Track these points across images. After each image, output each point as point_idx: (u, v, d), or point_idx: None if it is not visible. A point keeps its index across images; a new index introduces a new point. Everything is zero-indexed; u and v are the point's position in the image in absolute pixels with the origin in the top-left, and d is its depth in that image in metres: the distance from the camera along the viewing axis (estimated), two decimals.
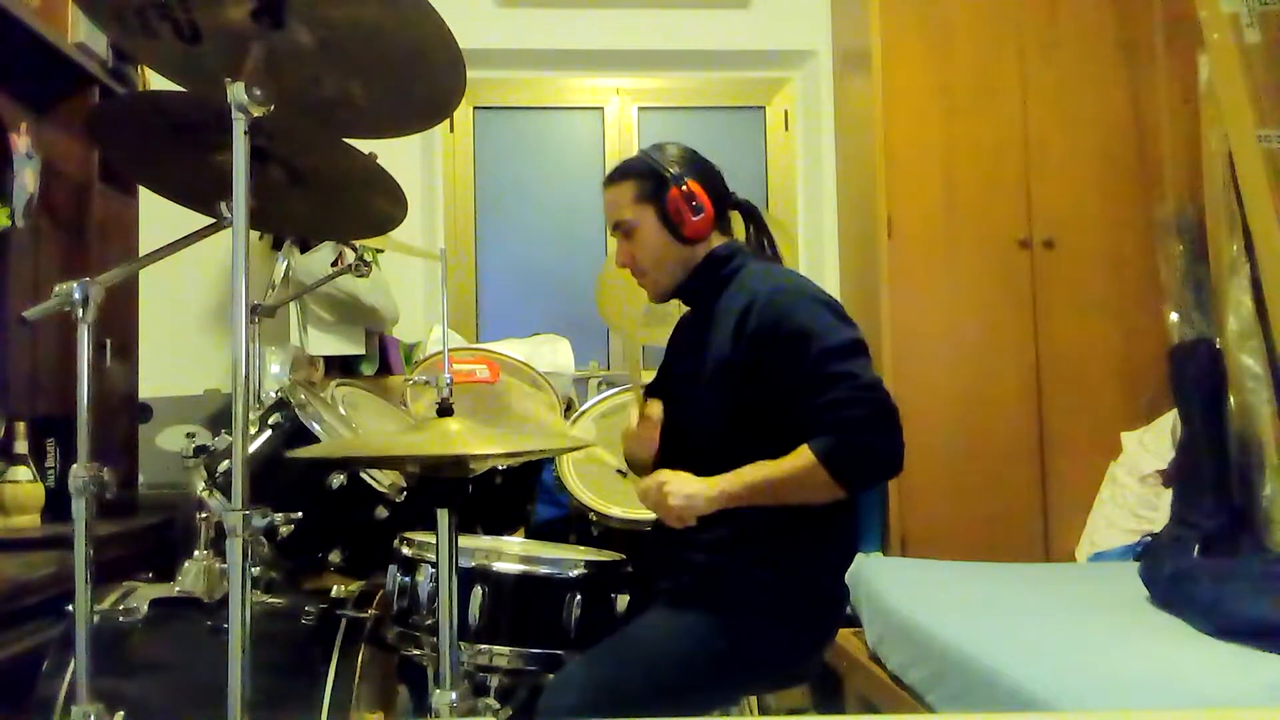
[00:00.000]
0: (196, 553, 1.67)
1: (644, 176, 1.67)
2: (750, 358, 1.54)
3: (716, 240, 1.70)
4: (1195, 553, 2.46)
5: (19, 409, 2.23)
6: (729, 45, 3.43)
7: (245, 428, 1.07)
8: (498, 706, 1.60)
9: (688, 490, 1.49)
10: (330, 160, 1.44)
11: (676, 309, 1.84)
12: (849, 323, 1.56)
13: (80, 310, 1.16)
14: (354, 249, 2.76)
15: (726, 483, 1.50)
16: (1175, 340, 2.84)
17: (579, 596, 1.59)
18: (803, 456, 1.46)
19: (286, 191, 1.46)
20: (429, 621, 1.61)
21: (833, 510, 1.58)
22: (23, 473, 2.13)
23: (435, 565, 1.59)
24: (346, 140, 1.42)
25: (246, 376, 1.15)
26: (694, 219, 1.64)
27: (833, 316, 1.54)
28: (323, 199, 1.52)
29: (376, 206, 1.55)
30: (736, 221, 1.78)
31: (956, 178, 2.99)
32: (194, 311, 3.17)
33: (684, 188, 1.64)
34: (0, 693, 1.59)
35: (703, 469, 1.55)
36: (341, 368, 2.92)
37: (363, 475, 1.78)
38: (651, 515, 1.69)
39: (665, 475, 1.53)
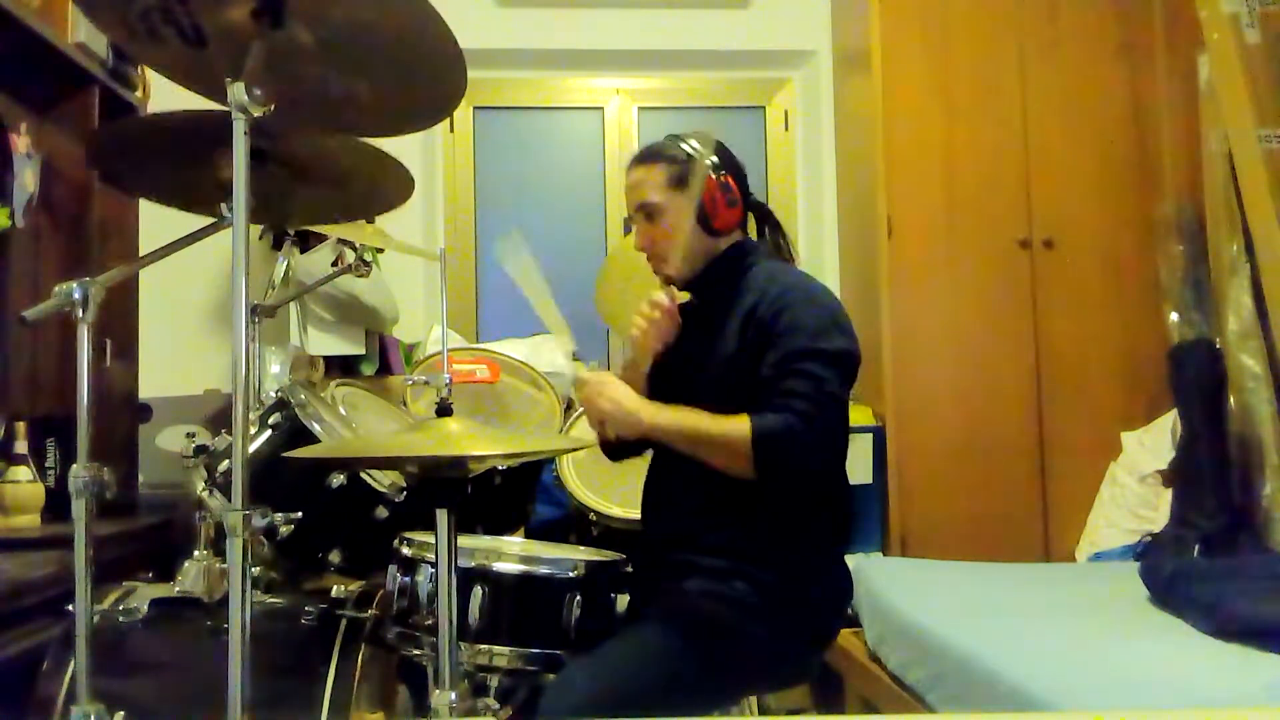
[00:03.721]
0: (196, 553, 1.67)
1: (679, 161, 1.66)
2: (754, 350, 1.55)
3: (738, 234, 1.71)
4: (1195, 553, 2.47)
5: (19, 409, 2.23)
6: (729, 45, 3.43)
7: (245, 428, 1.07)
8: (498, 706, 1.60)
9: (622, 401, 1.54)
10: (326, 147, 1.43)
11: None
12: (845, 334, 1.56)
13: (80, 310, 1.15)
14: (354, 249, 2.76)
15: (658, 413, 1.53)
16: (1175, 340, 2.85)
17: (579, 596, 1.59)
18: (738, 424, 1.47)
19: (288, 183, 1.46)
20: (429, 621, 1.61)
21: (833, 509, 1.58)
22: (23, 473, 2.13)
23: (435, 565, 1.59)
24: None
25: (246, 376, 1.15)
26: (728, 210, 1.65)
27: (830, 323, 1.54)
28: (323, 185, 1.51)
29: (379, 186, 1.55)
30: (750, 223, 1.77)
31: (956, 178, 2.99)
32: (194, 311, 3.16)
33: (723, 177, 1.64)
34: (0, 693, 1.59)
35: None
36: (341, 368, 2.92)
37: (363, 475, 1.78)
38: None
39: (610, 378, 1.57)
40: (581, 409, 1.58)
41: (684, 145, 1.67)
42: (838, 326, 1.55)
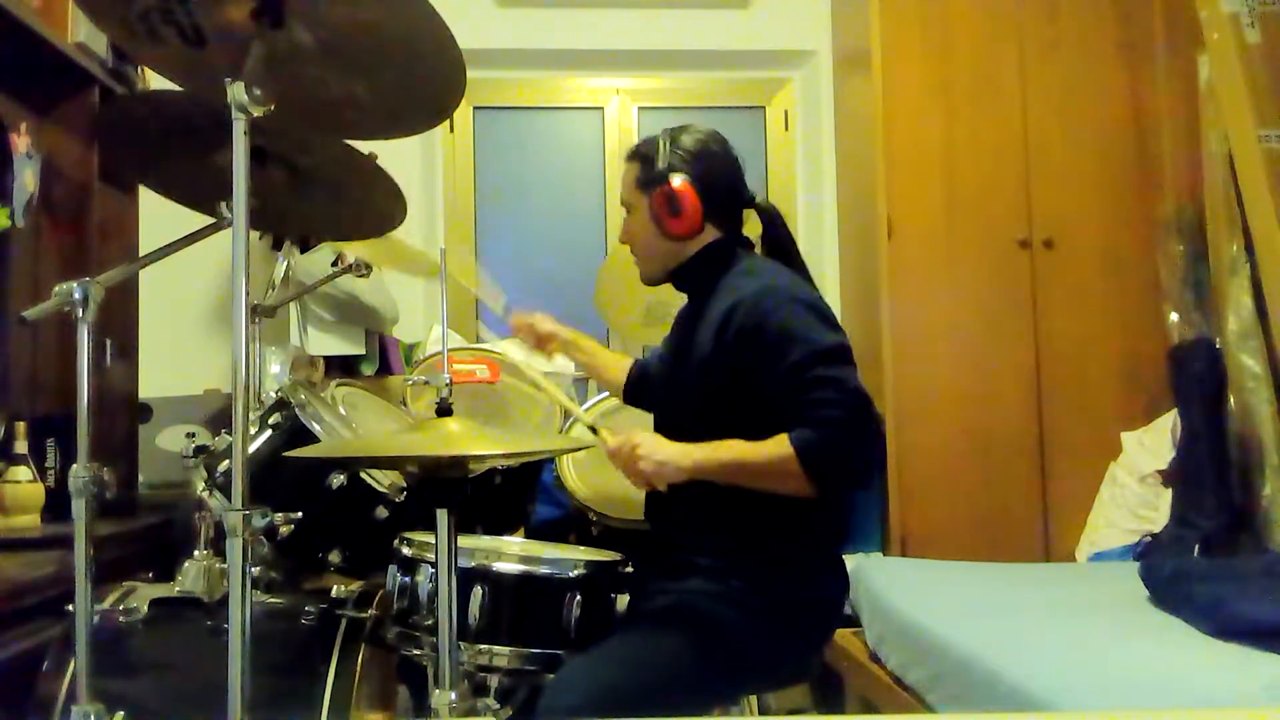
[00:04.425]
0: (196, 553, 1.67)
1: (645, 162, 1.67)
2: (732, 359, 1.53)
3: (712, 235, 1.68)
4: (1195, 553, 2.46)
5: (19, 409, 2.22)
6: (729, 45, 3.43)
7: (245, 428, 1.07)
8: (498, 706, 1.60)
9: (660, 456, 1.48)
10: (329, 160, 1.44)
11: (676, 309, 1.83)
12: (835, 327, 1.54)
13: (80, 310, 1.16)
14: None
15: (701, 455, 1.49)
16: (1175, 340, 2.84)
17: (579, 596, 1.59)
18: (780, 445, 1.45)
19: (286, 191, 1.46)
20: (429, 621, 1.61)
21: (831, 508, 1.58)
22: (23, 473, 2.13)
23: (435, 565, 1.59)
24: (348, 141, 1.42)
25: (246, 376, 1.15)
26: (671, 219, 1.63)
27: (818, 320, 1.52)
28: (322, 199, 1.52)
29: (376, 206, 1.55)
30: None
31: (956, 178, 2.99)
32: (194, 311, 3.16)
33: (668, 187, 1.62)
34: (0, 693, 1.59)
35: None
36: (341, 368, 2.92)
37: (363, 475, 1.78)
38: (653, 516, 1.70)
39: (639, 436, 1.50)
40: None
41: (655, 144, 1.66)
42: (826, 320, 1.54)
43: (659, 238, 1.67)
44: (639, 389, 1.92)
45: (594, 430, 1.56)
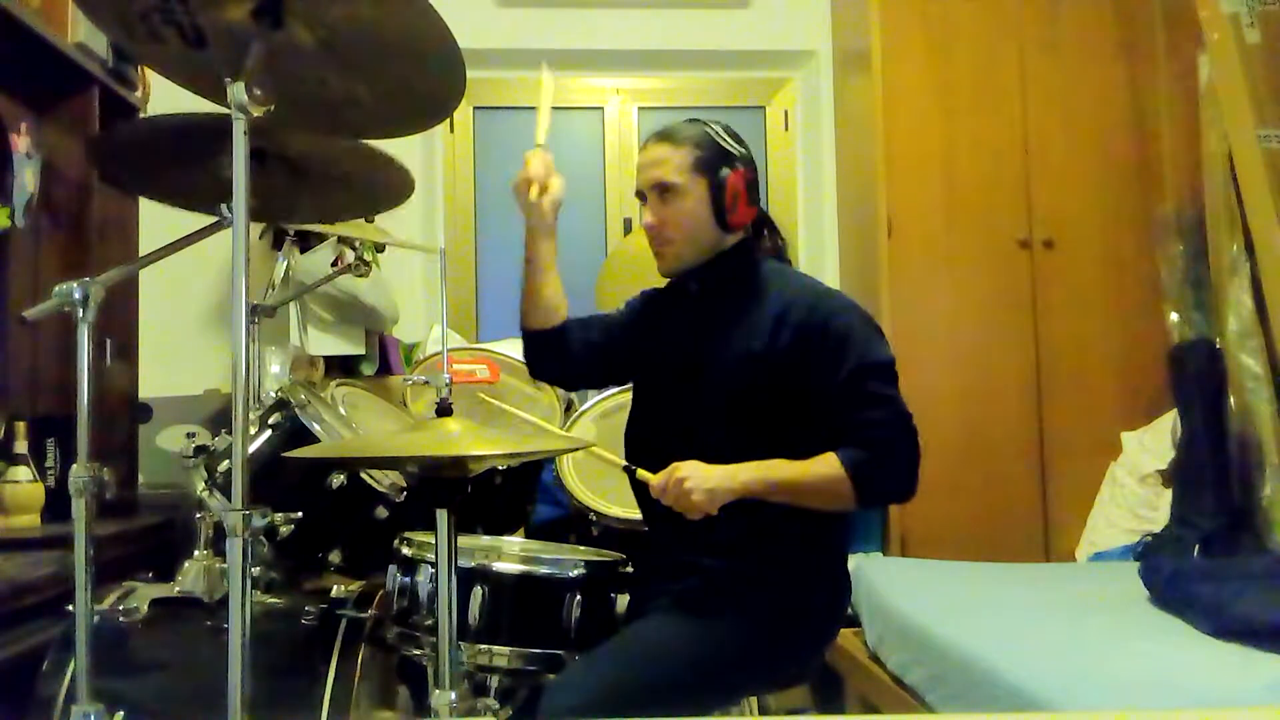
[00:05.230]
0: (196, 553, 1.67)
1: (705, 147, 1.60)
2: (789, 353, 1.53)
3: (745, 233, 1.67)
4: (1195, 553, 2.46)
5: (19, 409, 2.23)
6: (729, 45, 3.43)
7: (245, 428, 1.07)
8: (498, 706, 1.60)
9: (710, 484, 1.45)
10: (325, 146, 1.43)
11: None
12: (886, 342, 1.57)
13: (80, 310, 1.16)
14: (354, 248, 2.76)
15: (749, 476, 1.47)
16: (1175, 340, 2.84)
17: (579, 596, 1.59)
18: (830, 464, 1.47)
19: (288, 183, 1.46)
20: (429, 621, 1.61)
21: (836, 512, 1.59)
22: (23, 473, 2.13)
23: (435, 565, 1.59)
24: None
25: (246, 376, 1.15)
26: (746, 207, 1.61)
27: (875, 333, 1.56)
28: (323, 185, 1.51)
29: (379, 185, 1.54)
30: None
31: (956, 178, 2.99)
32: (194, 311, 3.16)
33: (749, 172, 1.61)
34: (0, 693, 1.59)
35: (704, 458, 1.51)
36: (341, 368, 2.92)
37: (363, 475, 1.78)
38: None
39: (684, 469, 1.47)
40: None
41: (710, 131, 1.61)
42: (879, 334, 1.57)
43: (710, 224, 1.61)
44: (555, 347, 1.75)
45: (630, 471, 1.56)
